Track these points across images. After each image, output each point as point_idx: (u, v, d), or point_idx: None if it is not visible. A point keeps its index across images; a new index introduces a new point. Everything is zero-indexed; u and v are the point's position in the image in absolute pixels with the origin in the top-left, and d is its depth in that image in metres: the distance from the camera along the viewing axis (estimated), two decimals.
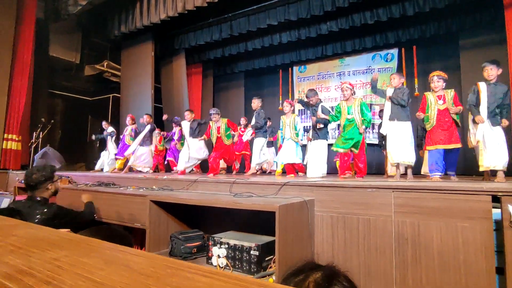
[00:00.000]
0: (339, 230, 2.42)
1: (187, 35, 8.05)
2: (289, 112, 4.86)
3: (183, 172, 5.40)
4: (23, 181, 2.82)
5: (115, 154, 6.61)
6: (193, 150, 5.51)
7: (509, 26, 5.58)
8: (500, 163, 3.11)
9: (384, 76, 7.90)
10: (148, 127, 6.32)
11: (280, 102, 9.03)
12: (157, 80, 8.15)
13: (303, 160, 4.81)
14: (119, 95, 8.24)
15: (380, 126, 5.73)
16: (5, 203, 4.15)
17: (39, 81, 7.13)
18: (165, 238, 2.81)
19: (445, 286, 2.04)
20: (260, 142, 5.13)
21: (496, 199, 1.98)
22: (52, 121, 7.38)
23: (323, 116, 4.31)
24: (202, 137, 5.25)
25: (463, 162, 5.20)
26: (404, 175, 3.95)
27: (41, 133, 6.88)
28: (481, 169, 3.25)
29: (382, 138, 5.13)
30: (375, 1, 6.08)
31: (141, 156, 6.21)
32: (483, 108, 3.26)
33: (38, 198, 2.47)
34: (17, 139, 6.38)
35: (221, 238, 2.36)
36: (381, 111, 4.73)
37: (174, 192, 3.26)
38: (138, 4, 6.95)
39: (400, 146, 3.68)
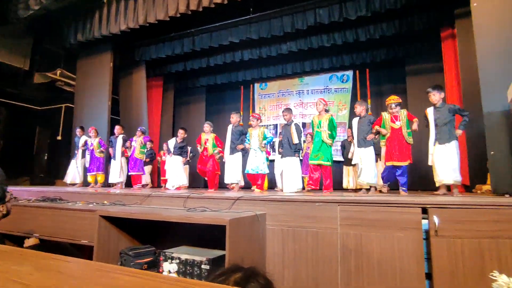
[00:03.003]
0: (289, 243, 2.52)
1: (148, 47, 7.97)
2: (257, 125, 5.03)
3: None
4: None
5: (89, 169, 6.41)
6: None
7: (445, 56, 6.31)
8: (451, 178, 3.46)
9: (341, 96, 8.44)
10: (121, 139, 6.35)
11: (241, 117, 9.19)
12: (114, 91, 7.90)
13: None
14: (72, 105, 7.83)
15: (343, 145, 6.27)
16: None
17: None
18: (114, 254, 2.70)
19: None
20: (238, 158, 5.12)
21: (425, 211, 2.22)
22: None
23: (295, 135, 4.54)
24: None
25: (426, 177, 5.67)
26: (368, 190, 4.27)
27: None
28: (437, 184, 3.59)
29: (343, 154, 5.81)
30: (332, 26, 6.53)
31: (115, 170, 6.23)
32: (432, 130, 3.66)
33: None
34: None
35: (172, 253, 2.34)
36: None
37: (126, 207, 3.17)
38: (97, 13, 6.77)
39: (366, 169, 4.13)
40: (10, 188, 1.87)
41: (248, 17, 6.57)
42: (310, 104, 8.71)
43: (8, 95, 7.45)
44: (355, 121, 4.40)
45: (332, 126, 4.37)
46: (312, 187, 4.40)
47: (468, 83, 5.13)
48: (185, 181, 6.11)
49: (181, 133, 5.93)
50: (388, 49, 7.40)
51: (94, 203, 3.46)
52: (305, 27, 6.34)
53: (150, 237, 3.01)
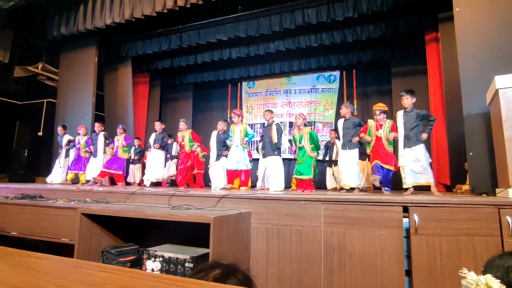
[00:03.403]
0: (273, 241, 2.54)
1: (134, 43, 7.83)
2: (239, 122, 5.03)
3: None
4: None
5: (71, 167, 6.27)
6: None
7: (429, 58, 6.47)
8: (420, 179, 3.55)
9: (328, 96, 8.52)
10: (102, 136, 6.18)
11: (228, 116, 9.17)
12: (99, 87, 7.73)
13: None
14: (55, 100, 7.62)
15: (326, 146, 6.36)
16: None
17: None
18: (96, 253, 2.65)
19: None
20: (221, 165, 5.14)
21: (406, 210, 2.27)
22: None
23: (275, 135, 4.61)
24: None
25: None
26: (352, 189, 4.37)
27: None
28: (404, 186, 3.68)
29: (327, 155, 5.88)
30: (319, 26, 6.59)
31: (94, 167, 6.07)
32: (401, 133, 3.75)
33: None
34: None
35: (155, 251, 2.32)
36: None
37: (109, 204, 3.12)
38: (82, 6, 6.60)
39: (349, 171, 4.19)
40: None
41: (236, 15, 6.55)
42: (297, 104, 8.76)
43: None
44: (340, 122, 4.46)
45: (313, 140, 4.41)
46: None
47: (450, 86, 5.27)
48: (162, 175, 5.98)
49: (157, 125, 5.89)
50: (374, 51, 7.51)
51: (76, 201, 3.39)
52: (293, 27, 6.37)
53: (134, 235, 2.97)
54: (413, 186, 3.65)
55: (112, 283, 0.44)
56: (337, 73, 8.51)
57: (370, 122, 4.24)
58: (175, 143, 6.86)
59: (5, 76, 7.49)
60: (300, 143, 4.45)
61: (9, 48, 7.38)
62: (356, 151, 4.28)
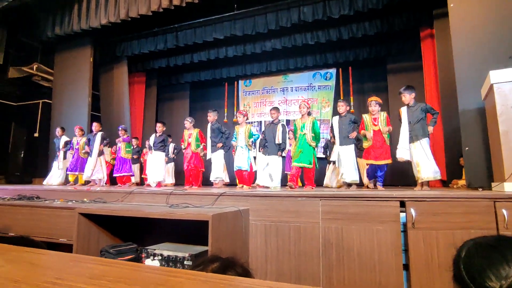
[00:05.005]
0: (272, 238, 2.55)
1: (130, 42, 7.79)
2: (243, 123, 5.02)
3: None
4: None
5: (70, 168, 6.21)
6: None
7: (424, 55, 6.49)
8: (429, 174, 3.55)
9: (324, 93, 8.53)
10: (99, 136, 6.11)
11: (225, 114, 9.17)
12: (95, 87, 7.70)
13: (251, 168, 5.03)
14: (50, 101, 7.58)
15: (326, 145, 6.35)
16: None
17: None
18: (95, 253, 2.65)
19: (363, 284, 2.26)
20: (220, 155, 5.10)
21: (403, 204, 2.29)
22: None
23: (281, 135, 4.61)
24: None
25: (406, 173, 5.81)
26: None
27: None
28: (419, 181, 3.64)
29: (326, 153, 5.89)
30: (315, 24, 6.60)
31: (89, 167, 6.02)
32: (405, 128, 3.76)
33: None
34: None
35: (154, 249, 2.32)
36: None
37: (107, 204, 3.11)
38: (76, 6, 6.56)
39: (347, 168, 4.20)
40: None
41: (232, 13, 6.54)
42: (294, 101, 8.77)
43: None
44: (335, 119, 4.46)
45: (315, 129, 4.39)
46: (293, 187, 4.43)
47: (445, 82, 5.30)
48: (163, 177, 5.96)
49: (158, 126, 5.83)
50: (370, 48, 7.53)
51: (74, 201, 3.38)
52: (289, 25, 6.37)
53: (132, 234, 2.97)
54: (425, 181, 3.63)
55: (111, 275, 0.44)
56: (333, 71, 8.53)
57: (365, 117, 4.22)
58: (171, 145, 6.84)
59: None
60: (301, 130, 4.42)
61: (2, 49, 7.32)
62: (352, 147, 4.29)
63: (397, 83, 7.37)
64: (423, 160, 3.61)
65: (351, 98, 7.95)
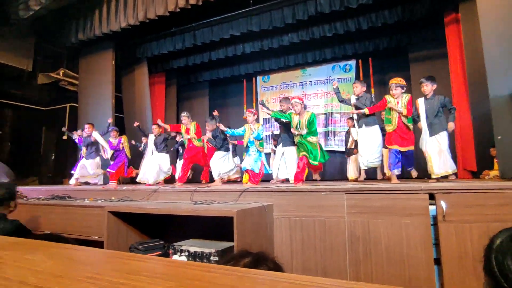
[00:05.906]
0: (297, 233, 2.53)
1: (149, 44, 7.95)
2: (253, 121, 4.96)
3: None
4: None
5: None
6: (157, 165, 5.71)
7: (449, 41, 6.20)
8: (447, 169, 3.43)
9: (344, 86, 8.34)
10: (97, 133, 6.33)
11: (245, 111, 9.17)
12: (117, 89, 7.93)
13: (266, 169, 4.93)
14: (76, 105, 7.89)
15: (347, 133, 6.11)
16: None
17: None
18: (124, 249, 2.74)
19: (392, 278, 2.21)
20: (220, 154, 5.05)
21: (432, 197, 2.21)
22: (0, 132, 6.89)
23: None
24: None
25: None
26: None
27: None
28: (433, 176, 3.51)
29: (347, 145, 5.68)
30: (333, 15, 6.45)
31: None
32: (423, 121, 3.62)
33: None
34: None
35: (181, 246, 2.37)
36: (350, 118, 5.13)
37: (134, 202, 3.20)
38: (97, 12, 6.76)
39: (369, 151, 3.96)
40: (19, 188, 1.91)
41: (248, 9, 6.51)
42: (313, 95, 8.66)
43: (13, 96, 7.53)
44: (352, 99, 4.22)
45: (310, 123, 4.14)
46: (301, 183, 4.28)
47: (473, 68, 5.04)
48: (161, 177, 5.96)
49: (153, 128, 5.91)
50: (390, 37, 7.28)
51: (102, 200, 3.50)
52: (306, 18, 6.26)
53: (159, 231, 3.04)
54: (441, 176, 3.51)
55: (148, 271, 0.45)
56: (352, 62, 8.32)
57: (388, 98, 3.88)
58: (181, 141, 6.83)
59: (29, 84, 7.81)
60: (297, 129, 4.25)
61: (32, 56, 7.68)
62: (376, 128, 4.01)
63: (420, 73, 7.08)
64: (435, 155, 3.47)
65: (372, 90, 7.71)
